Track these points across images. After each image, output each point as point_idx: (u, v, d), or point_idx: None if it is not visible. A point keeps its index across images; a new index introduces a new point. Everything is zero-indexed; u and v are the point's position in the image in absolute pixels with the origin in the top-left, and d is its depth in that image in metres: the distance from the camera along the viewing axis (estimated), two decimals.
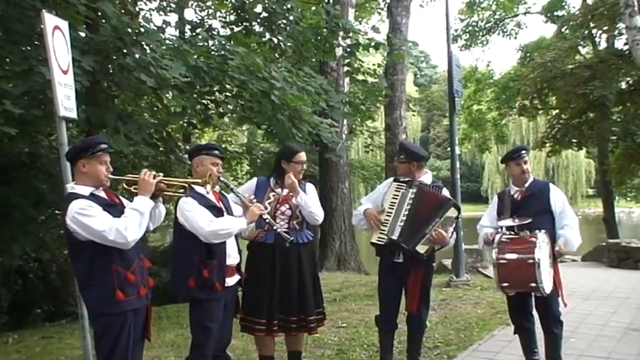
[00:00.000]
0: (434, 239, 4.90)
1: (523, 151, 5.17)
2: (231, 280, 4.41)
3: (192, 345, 4.32)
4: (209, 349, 4.25)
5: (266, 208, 4.79)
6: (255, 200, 4.63)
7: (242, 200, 4.59)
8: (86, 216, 3.48)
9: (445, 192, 5.15)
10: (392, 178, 5.24)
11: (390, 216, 4.96)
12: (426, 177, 5.16)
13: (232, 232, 4.30)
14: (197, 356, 4.27)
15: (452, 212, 4.94)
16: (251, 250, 5.07)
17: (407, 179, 5.07)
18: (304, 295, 4.98)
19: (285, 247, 4.86)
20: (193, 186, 4.25)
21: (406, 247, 4.88)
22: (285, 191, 5.03)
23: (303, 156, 5.13)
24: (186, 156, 11.52)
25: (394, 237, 4.89)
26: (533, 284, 4.60)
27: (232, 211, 4.51)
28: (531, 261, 4.58)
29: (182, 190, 4.14)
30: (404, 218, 4.88)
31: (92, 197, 3.61)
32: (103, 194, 3.73)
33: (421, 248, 4.90)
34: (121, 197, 3.95)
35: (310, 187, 5.26)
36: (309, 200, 5.06)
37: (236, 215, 4.48)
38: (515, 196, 5.11)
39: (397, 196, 5.00)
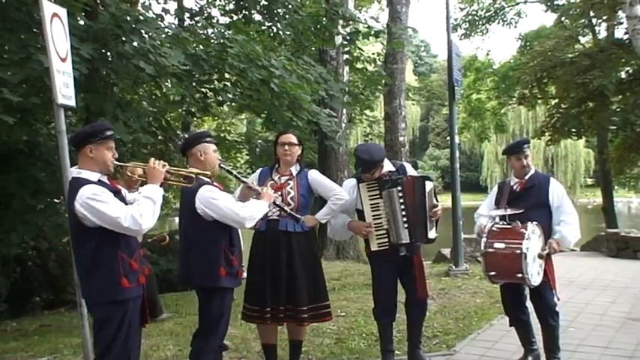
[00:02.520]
0: (435, 217, 4.93)
1: (525, 146, 5.13)
2: None
3: (206, 334, 4.27)
4: (223, 337, 4.32)
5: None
6: (255, 184, 4.65)
7: (249, 185, 4.60)
8: (99, 202, 3.46)
9: (410, 168, 5.18)
10: (354, 181, 5.09)
11: (380, 219, 4.86)
12: (387, 164, 5.03)
13: (260, 216, 4.33)
14: (213, 346, 4.28)
15: (429, 185, 4.89)
16: (253, 238, 5.08)
17: (374, 178, 4.92)
18: (294, 285, 4.91)
19: (275, 234, 4.87)
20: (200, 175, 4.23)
21: (423, 243, 4.89)
22: (284, 178, 5.01)
23: (285, 137, 5.11)
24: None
25: (406, 241, 4.80)
26: (520, 275, 4.58)
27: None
28: (518, 251, 4.57)
29: (186, 180, 4.08)
30: (405, 219, 4.78)
31: (100, 183, 3.61)
32: (107, 181, 3.72)
33: (432, 234, 4.93)
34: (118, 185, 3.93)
35: (313, 172, 5.22)
36: (326, 209, 5.07)
37: None
38: (515, 187, 5.10)
39: (375, 197, 4.87)
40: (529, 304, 5.10)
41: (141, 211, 3.51)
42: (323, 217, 5.22)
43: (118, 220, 3.44)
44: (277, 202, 4.67)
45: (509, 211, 4.89)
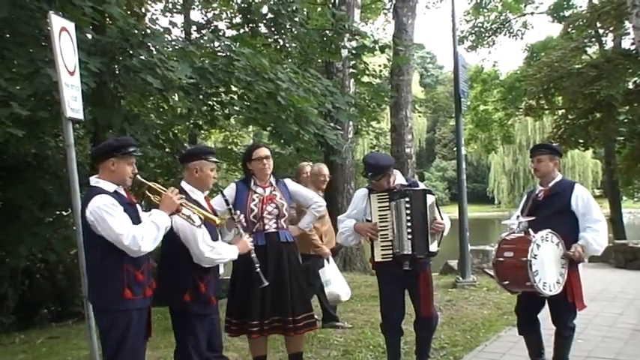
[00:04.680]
0: (436, 231, 4.90)
1: (538, 150, 5.06)
2: None
3: (182, 355, 4.26)
4: (202, 358, 4.24)
5: (252, 210, 4.91)
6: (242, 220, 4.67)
7: (236, 222, 4.57)
8: (108, 214, 3.56)
9: (421, 185, 5.21)
10: (366, 190, 5.11)
11: (387, 230, 4.89)
12: (399, 177, 5.08)
13: (223, 262, 4.29)
14: None
15: (430, 199, 4.90)
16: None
17: (385, 189, 4.97)
18: (295, 294, 4.98)
19: (278, 246, 4.92)
20: (192, 195, 4.26)
21: (423, 257, 4.86)
22: (268, 190, 5.04)
23: (261, 151, 5.10)
24: None
25: (408, 252, 4.80)
26: (528, 283, 4.52)
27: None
28: (524, 259, 4.51)
29: (196, 219, 4.00)
30: (409, 231, 4.79)
31: (115, 195, 3.70)
32: (124, 193, 3.82)
33: (433, 247, 4.91)
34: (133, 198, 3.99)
35: (289, 182, 5.33)
36: (308, 217, 5.34)
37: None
38: (539, 195, 5.03)
39: (384, 208, 4.91)
40: (543, 314, 5.05)
41: (144, 233, 3.59)
42: (307, 226, 5.39)
43: (120, 236, 3.53)
44: (252, 255, 4.56)
45: (521, 219, 4.87)
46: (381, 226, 4.90)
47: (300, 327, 5.01)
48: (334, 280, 6.37)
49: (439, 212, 5.01)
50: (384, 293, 5.12)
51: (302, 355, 5.31)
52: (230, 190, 5.08)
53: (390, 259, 4.88)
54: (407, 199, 4.82)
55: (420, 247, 4.82)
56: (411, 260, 4.85)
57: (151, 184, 3.99)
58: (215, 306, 4.35)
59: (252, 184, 5.07)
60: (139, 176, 3.86)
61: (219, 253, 4.17)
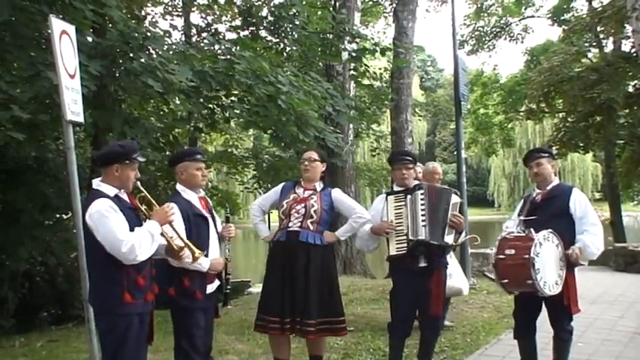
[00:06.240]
0: (454, 225, 5.02)
1: (535, 154, 5.11)
2: (211, 287, 4.46)
3: (179, 350, 4.30)
4: (197, 354, 4.27)
5: (282, 206, 5.12)
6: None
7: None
8: (108, 219, 3.54)
9: None
10: (383, 195, 5.33)
11: (402, 225, 5.01)
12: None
13: (198, 270, 4.23)
14: None
15: (455, 199, 5.08)
16: (271, 250, 5.26)
17: (400, 189, 5.15)
18: (307, 297, 4.95)
19: (294, 245, 4.99)
20: (184, 195, 4.33)
21: (436, 243, 4.93)
22: (308, 193, 5.16)
23: (306, 154, 5.35)
24: None
25: (422, 237, 4.90)
26: (529, 281, 4.50)
27: (217, 221, 4.64)
28: (526, 256, 4.50)
29: (179, 244, 3.95)
30: (424, 218, 4.93)
31: (116, 199, 3.69)
32: (125, 197, 3.82)
33: (448, 239, 5.01)
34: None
35: (336, 190, 5.38)
36: (347, 226, 5.28)
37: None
38: (537, 198, 5.04)
39: (401, 205, 5.06)
40: (542, 317, 5.04)
41: (141, 242, 3.57)
42: (343, 235, 5.38)
43: (119, 243, 3.50)
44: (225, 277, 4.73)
45: (521, 218, 4.89)
46: (396, 223, 5.04)
47: (310, 331, 4.96)
48: (455, 273, 6.44)
49: (461, 212, 5.16)
50: (399, 294, 5.15)
51: (321, 359, 5.30)
52: (276, 189, 5.41)
53: (405, 252, 4.97)
54: (422, 192, 5.00)
55: (434, 234, 4.92)
56: (426, 252, 4.95)
57: (148, 195, 3.97)
58: (203, 301, 4.34)
59: (297, 185, 5.26)
60: (138, 183, 3.87)
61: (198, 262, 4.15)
